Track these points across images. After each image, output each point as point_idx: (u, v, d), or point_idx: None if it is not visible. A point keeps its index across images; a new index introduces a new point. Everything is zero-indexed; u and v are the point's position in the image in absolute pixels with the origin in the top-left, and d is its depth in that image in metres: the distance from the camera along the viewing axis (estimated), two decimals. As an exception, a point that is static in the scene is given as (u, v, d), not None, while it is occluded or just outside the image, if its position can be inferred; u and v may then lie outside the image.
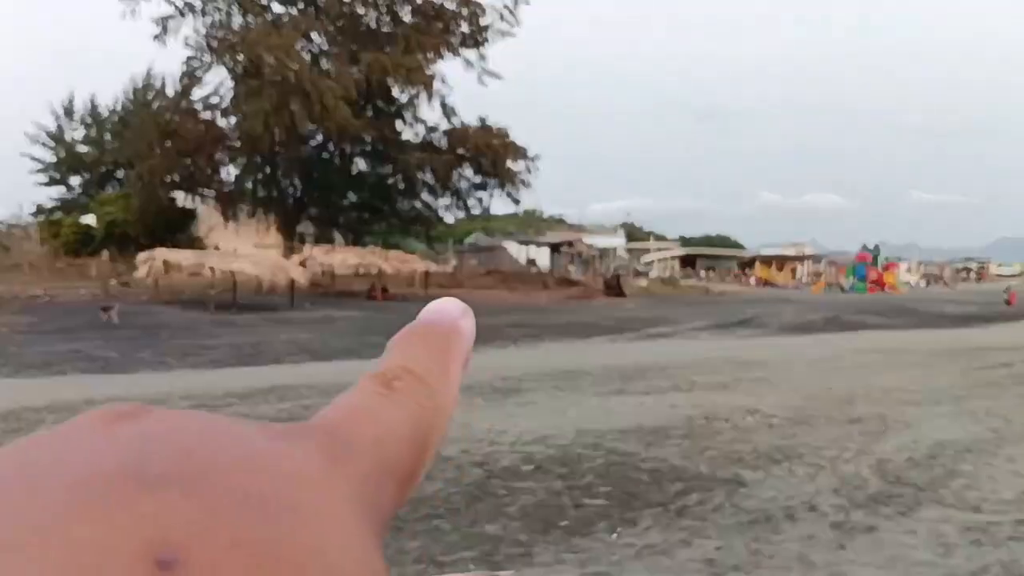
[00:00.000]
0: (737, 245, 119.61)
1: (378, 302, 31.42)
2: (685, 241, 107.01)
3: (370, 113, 39.94)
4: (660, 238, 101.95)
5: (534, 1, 40.66)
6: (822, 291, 61.49)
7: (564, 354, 17.29)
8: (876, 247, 70.21)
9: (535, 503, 5.73)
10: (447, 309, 0.37)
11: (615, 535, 5.14)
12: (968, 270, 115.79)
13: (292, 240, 40.82)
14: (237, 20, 37.28)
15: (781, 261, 79.77)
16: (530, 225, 75.77)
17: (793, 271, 78.21)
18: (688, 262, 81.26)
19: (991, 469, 6.77)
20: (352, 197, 44.85)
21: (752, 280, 71.20)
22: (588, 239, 74.86)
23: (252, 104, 34.45)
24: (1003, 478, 6.48)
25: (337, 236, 44.09)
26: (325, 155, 42.47)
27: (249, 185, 42.34)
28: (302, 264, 31.11)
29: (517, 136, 42.74)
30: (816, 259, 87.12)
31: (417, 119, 42.64)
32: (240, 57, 35.05)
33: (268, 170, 40.73)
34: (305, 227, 45.32)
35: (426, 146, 41.63)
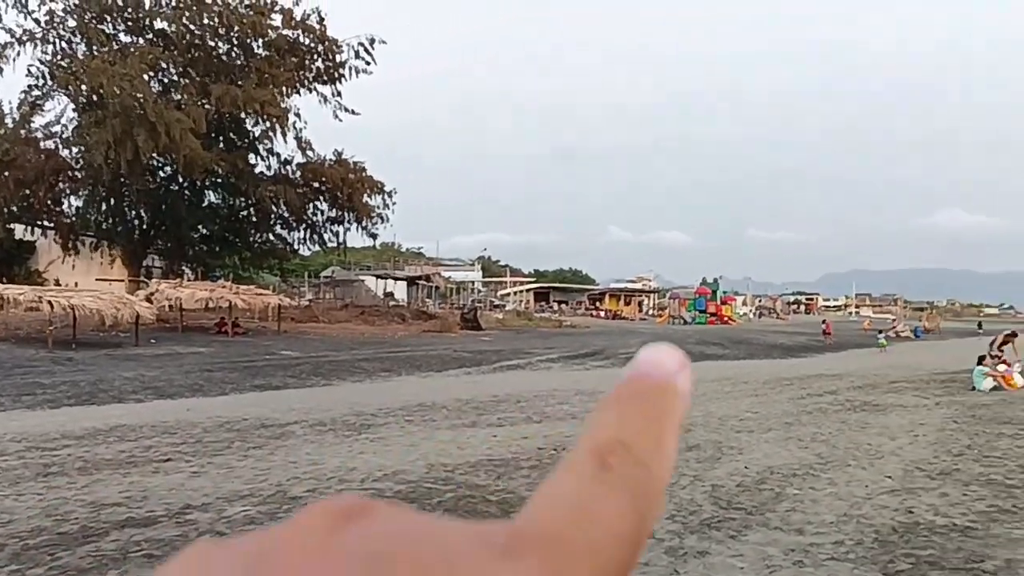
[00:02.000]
0: (588, 279, 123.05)
1: (228, 337, 30.53)
2: (539, 275, 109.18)
3: (222, 145, 38.95)
4: (516, 272, 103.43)
5: (396, 39, 40.99)
6: (667, 323, 64.01)
7: (419, 387, 17.29)
8: (715, 281, 73.74)
9: (382, 540, 5.72)
10: (664, 362, 0.33)
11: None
12: (798, 303, 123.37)
13: (138, 274, 39.10)
14: (82, 49, 35.72)
15: (629, 295, 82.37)
16: (388, 259, 75.28)
17: (640, 304, 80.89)
18: (542, 295, 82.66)
19: (814, 492, 7.22)
20: (202, 230, 43.48)
21: (602, 313, 73.16)
22: (446, 273, 75.18)
23: (95, 134, 32.94)
24: (825, 501, 6.94)
25: (186, 270, 42.57)
26: (174, 187, 41.02)
27: (93, 217, 40.38)
28: (148, 299, 29.83)
29: (375, 171, 42.76)
30: (661, 293, 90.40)
31: (271, 152, 41.94)
32: (84, 87, 33.51)
33: (113, 202, 38.93)
34: (152, 260, 43.58)
35: (280, 179, 40.88)
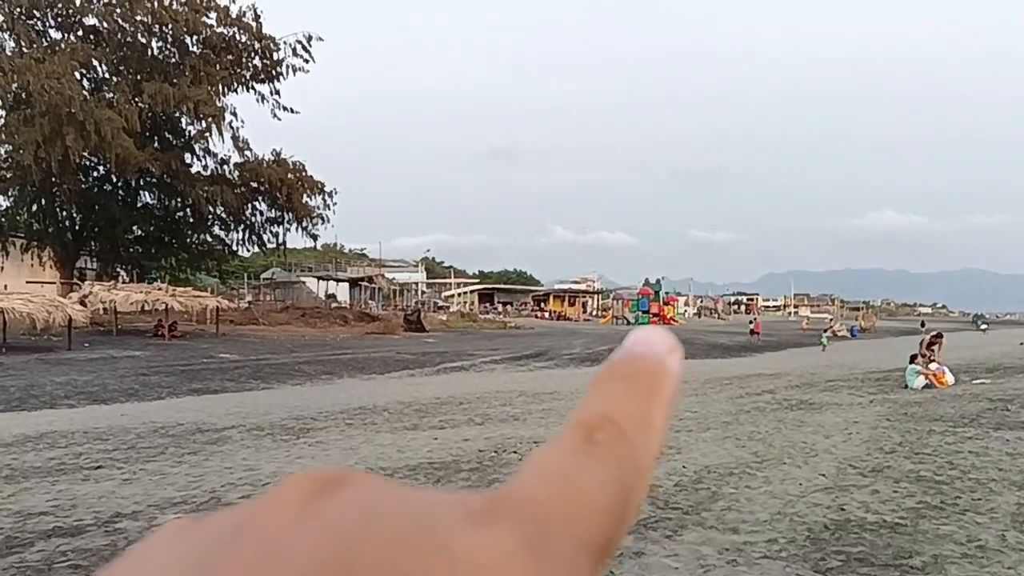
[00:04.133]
0: (533, 280, 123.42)
1: (165, 340, 29.93)
2: (484, 276, 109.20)
3: (156, 145, 38.17)
4: (460, 273, 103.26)
5: (336, 38, 40.71)
6: (610, 323, 64.49)
7: (361, 390, 17.15)
8: (658, 282, 74.71)
9: (317, 547, 5.63)
10: (655, 343, 0.34)
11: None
12: (739, 303, 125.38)
13: (71, 276, 38.10)
14: (10, 45, 34.71)
15: (573, 296, 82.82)
16: (330, 260, 74.56)
17: (584, 305, 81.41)
18: (487, 296, 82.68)
19: (750, 491, 7.29)
20: (137, 231, 42.56)
21: (547, 314, 73.44)
22: (389, 274, 74.71)
23: (24, 133, 31.98)
24: (760, 499, 7.01)
25: (121, 272, 41.61)
26: (107, 187, 40.09)
27: (23, 218, 39.27)
28: (81, 301, 29.11)
29: (315, 171, 42.34)
30: (604, 294, 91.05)
31: (207, 152, 41.26)
32: (14, 85, 32.50)
33: (43, 202, 37.88)
34: (85, 262, 42.52)
35: (217, 179, 40.23)
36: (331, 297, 57.42)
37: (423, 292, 77.75)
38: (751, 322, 47.71)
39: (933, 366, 17.17)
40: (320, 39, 40.13)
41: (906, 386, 16.26)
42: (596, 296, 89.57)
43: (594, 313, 79.72)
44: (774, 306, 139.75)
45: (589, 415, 0.30)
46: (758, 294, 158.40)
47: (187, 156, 40.44)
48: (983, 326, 65.03)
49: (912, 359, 17.27)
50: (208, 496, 7.11)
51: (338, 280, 62.72)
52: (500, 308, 75.72)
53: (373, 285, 65.00)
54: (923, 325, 63.00)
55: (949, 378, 16.65)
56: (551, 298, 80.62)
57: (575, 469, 0.28)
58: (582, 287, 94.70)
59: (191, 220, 42.02)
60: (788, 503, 6.81)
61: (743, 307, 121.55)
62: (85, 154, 34.16)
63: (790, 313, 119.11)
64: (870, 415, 12.24)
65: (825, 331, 43.30)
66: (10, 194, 37.91)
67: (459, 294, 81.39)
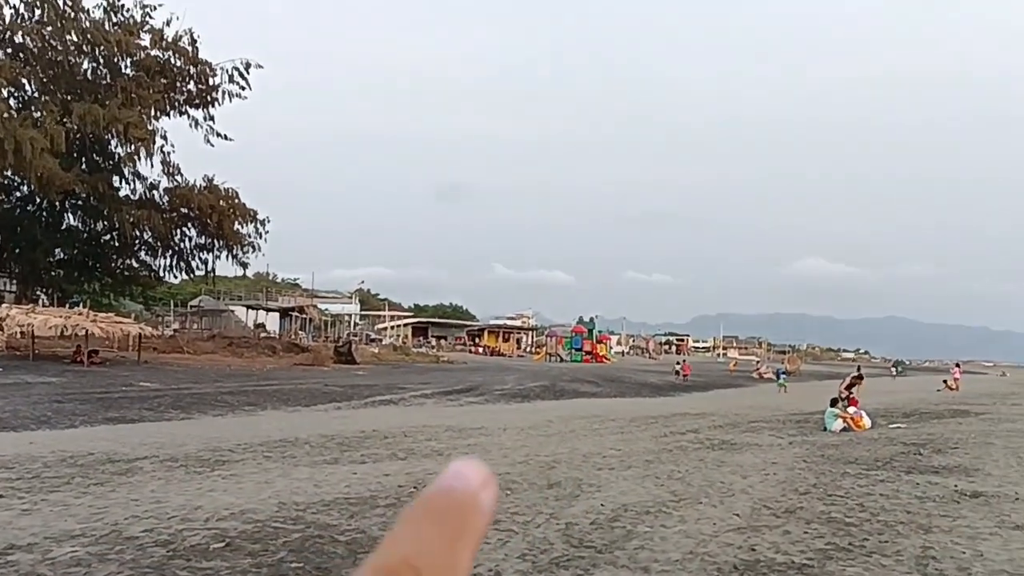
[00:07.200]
0: (469, 315, 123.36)
1: (84, 367, 29.03)
2: (419, 310, 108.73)
3: (84, 166, 37.25)
4: (395, 306, 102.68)
5: (279, 65, 40.47)
6: (543, 360, 64.66)
7: (284, 422, 16.83)
8: (592, 320, 75.42)
9: (218, 584, 5.45)
10: (468, 477, 0.33)
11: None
12: (670, 343, 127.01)
13: (-13, 298, 36.78)
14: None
15: (508, 332, 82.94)
16: (261, 289, 73.42)
17: (519, 341, 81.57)
18: (421, 330, 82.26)
19: (664, 530, 7.30)
20: (60, 254, 41.36)
21: (481, 349, 73.38)
22: (322, 305, 73.96)
23: (-57, 151, 30.90)
24: (674, 538, 7.03)
25: (42, 295, 40.32)
26: (31, 208, 38.92)
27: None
28: (-3, 324, 28.16)
29: (251, 199, 41.79)
30: (539, 330, 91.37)
31: (137, 175, 40.44)
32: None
33: (-39, 222, 36.59)
34: (4, 284, 41.16)
35: (145, 203, 39.42)
36: (260, 327, 56.45)
37: (356, 324, 77.09)
38: (678, 363, 48.11)
39: (852, 410, 17.56)
40: (259, 66, 39.89)
41: (825, 428, 16.57)
42: (531, 333, 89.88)
43: (528, 349, 79.92)
44: (704, 347, 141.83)
45: (390, 561, 0.29)
46: (688, 335, 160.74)
47: (115, 179, 39.65)
48: (894, 371, 68.31)
49: (833, 403, 17.63)
50: (109, 529, 6.85)
51: (268, 310, 61.79)
52: (434, 342, 75.37)
53: (304, 316, 64.20)
54: (859, 370, 64.72)
55: (867, 422, 17.03)
56: (486, 333, 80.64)
57: None
58: (517, 323, 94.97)
59: (116, 244, 41.05)
60: (701, 543, 6.84)
61: (674, 347, 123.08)
62: (8, 173, 33.15)
63: (719, 355, 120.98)
64: (788, 456, 12.42)
65: (786, 373, 44.10)
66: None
67: (393, 327, 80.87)
